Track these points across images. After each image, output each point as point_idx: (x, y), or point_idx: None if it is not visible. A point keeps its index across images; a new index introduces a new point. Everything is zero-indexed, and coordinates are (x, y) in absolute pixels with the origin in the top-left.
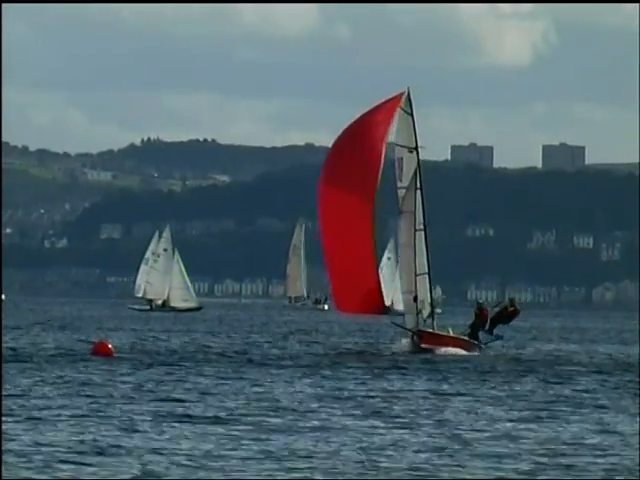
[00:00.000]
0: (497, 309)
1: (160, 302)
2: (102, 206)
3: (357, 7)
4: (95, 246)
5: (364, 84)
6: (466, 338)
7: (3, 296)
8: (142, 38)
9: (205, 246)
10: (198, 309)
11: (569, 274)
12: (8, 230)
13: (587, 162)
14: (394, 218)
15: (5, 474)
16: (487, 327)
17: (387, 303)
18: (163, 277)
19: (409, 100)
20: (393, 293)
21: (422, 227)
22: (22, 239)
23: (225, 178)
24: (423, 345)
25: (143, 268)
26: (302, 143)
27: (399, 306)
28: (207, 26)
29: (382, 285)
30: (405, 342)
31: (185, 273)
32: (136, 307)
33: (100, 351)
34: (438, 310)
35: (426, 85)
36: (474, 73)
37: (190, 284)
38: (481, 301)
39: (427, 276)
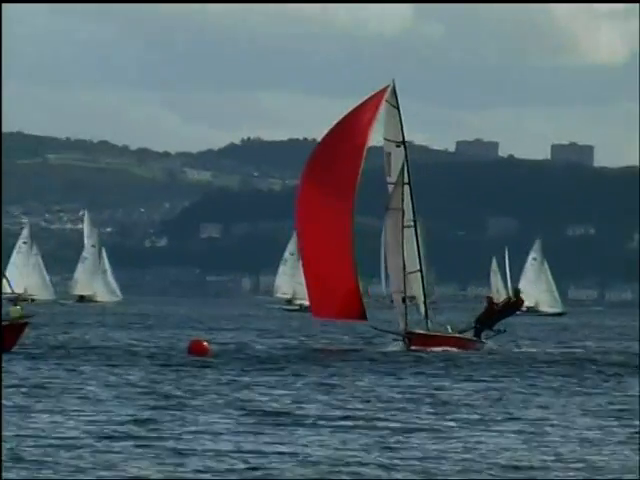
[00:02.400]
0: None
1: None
2: (202, 205)
3: (450, 6)
4: (195, 245)
5: (457, 84)
6: (462, 336)
7: (119, 296)
8: (233, 38)
9: None
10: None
11: None
12: (108, 229)
13: None
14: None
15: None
16: (489, 322)
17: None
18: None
19: (394, 93)
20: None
21: (411, 223)
22: (122, 238)
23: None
24: (413, 347)
25: (282, 269)
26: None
27: (544, 307)
28: (301, 26)
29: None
30: (397, 344)
31: None
32: (286, 307)
33: (196, 350)
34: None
35: (521, 85)
36: (569, 72)
37: None
38: (491, 295)
39: (419, 274)
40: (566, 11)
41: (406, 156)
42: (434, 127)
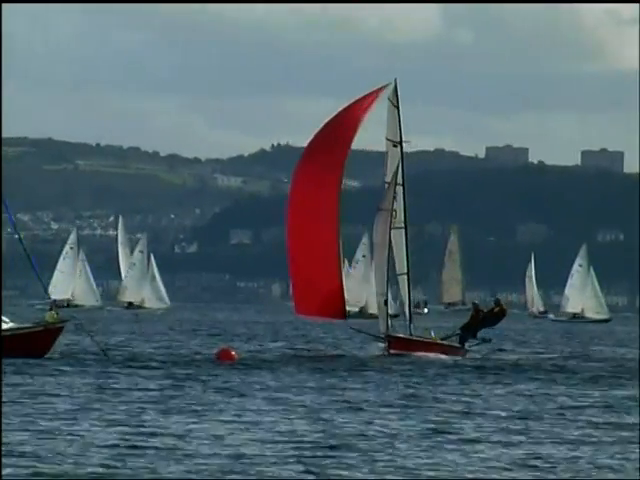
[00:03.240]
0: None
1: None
2: (232, 211)
3: (478, 12)
4: (225, 251)
5: (486, 90)
6: (444, 342)
7: (167, 303)
8: (264, 44)
9: None
10: None
11: None
12: (139, 235)
13: None
14: None
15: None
16: (473, 330)
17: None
18: (360, 285)
19: (396, 92)
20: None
21: (402, 225)
22: (152, 244)
23: (355, 183)
24: (392, 351)
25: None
26: (432, 148)
27: (590, 313)
28: (331, 32)
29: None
30: (376, 347)
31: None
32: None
33: (224, 357)
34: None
35: (551, 90)
36: (598, 78)
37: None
38: (477, 302)
39: (406, 277)
40: (592, 17)
41: (402, 156)
42: (464, 133)
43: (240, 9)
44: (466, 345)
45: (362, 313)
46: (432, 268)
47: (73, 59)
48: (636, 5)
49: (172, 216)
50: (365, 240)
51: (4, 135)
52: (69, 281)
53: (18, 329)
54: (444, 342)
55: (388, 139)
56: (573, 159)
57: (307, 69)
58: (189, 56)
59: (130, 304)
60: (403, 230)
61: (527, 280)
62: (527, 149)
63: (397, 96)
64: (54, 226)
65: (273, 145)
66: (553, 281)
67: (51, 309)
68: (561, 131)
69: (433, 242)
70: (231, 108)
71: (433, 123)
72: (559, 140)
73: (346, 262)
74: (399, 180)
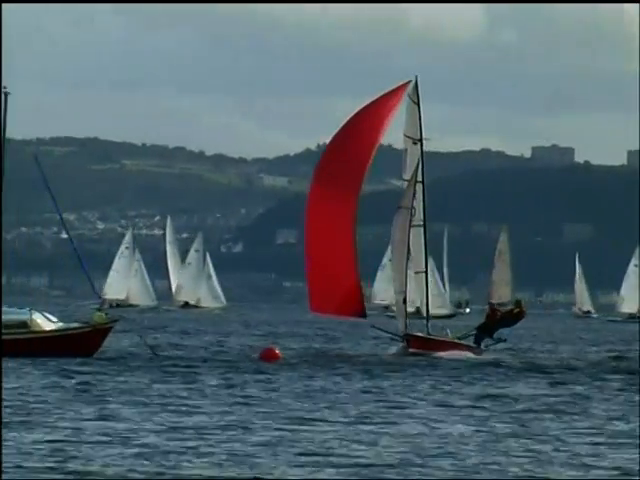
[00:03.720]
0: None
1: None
2: (278, 211)
3: (523, 12)
4: (271, 251)
5: (532, 89)
6: (460, 342)
7: (223, 302)
8: (310, 44)
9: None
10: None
11: None
12: (184, 235)
13: None
14: None
15: None
16: (489, 330)
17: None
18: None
19: (416, 89)
20: None
21: (421, 223)
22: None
23: (401, 183)
24: (412, 350)
25: (380, 275)
26: (478, 148)
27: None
28: (377, 32)
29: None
30: (398, 347)
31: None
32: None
33: (268, 357)
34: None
35: (596, 90)
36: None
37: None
38: (492, 301)
39: (424, 275)
40: (637, 16)
41: (422, 154)
42: (510, 133)
43: (289, 9)
44: (482, 345)
45: (419, 313)
46: (478, 268)
47: (119, 59)
48: None
49: (218, 216)
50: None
51: (51, 134)
52: (124, 281)
53: (67, 329)
54: (460, 342)
55: (407, 136)
56: (619, 159)
57: (352, 69)
58: (236, 56)
59: (186, 303)
60: (422, 228)
61: (577, 280)
62: (573, 149)
63: (417, 93)
64: (100, 226)
65: (319, 145)
66: (599, 281)
67: (99, 309)
68: (607, 131)
69: (479, 242)
70: (277, 108)
71: (479, 123)
72: (605, 140)
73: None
74: (419, 178)
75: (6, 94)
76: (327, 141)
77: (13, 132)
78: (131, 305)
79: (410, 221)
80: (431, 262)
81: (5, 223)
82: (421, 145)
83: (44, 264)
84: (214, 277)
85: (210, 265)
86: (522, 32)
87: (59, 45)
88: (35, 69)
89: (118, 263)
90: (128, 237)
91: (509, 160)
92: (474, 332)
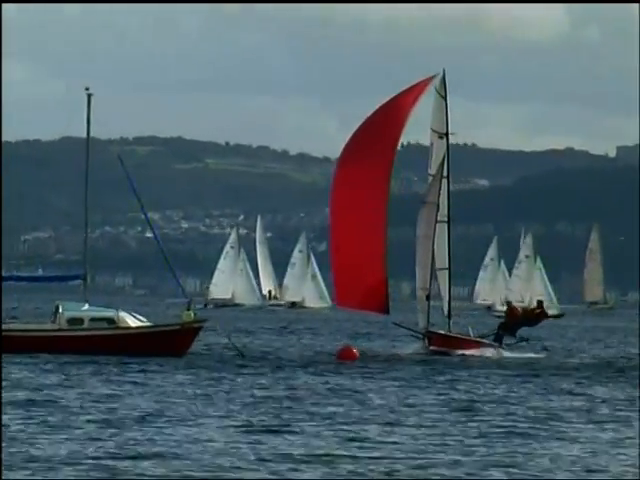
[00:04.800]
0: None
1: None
2: None
3: (604, 10)
4: None
5: (615, 88)
6: (483, 340)
7: (329, 302)
8: (390, 43)
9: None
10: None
11: None
12: (269, 234)
13: None
14: None
15: None
16: (511, 329)
17: None
18: (525, 284)
19: (444, 83)
20: None
21: (445, 219)
22: (282, 243)
23: (484, 182)
24: (433, 348)
25: (482, 274)
26: (562, 147)
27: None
28: (455, 31)
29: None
30: (418, 345)
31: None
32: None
33: (345, 356)
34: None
35: None
36: None
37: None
38: (510, 300)
39: (447, 272)
40: None
41: (448, 149)
42: (593, 132)
43: (367, 9)
44: (503, 344)
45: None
46: (563, 267)
47: (203, 58)
48: None
49: (302, 215)
50: (529, 240)
51: (135, 134)
52: (229, 280)
53: (154, 327)
54: (482, 340)
55: (433, 130)
56: None
57: (434, 69)
58: (319, 57)
59: (293, 304)
60: (446, 224)
61: None
62: None
63: (445, 87)
64: (184, 225)
65: (403, 144)
66: None
67: (188, 309)
68: None
69: (563, 241)
70: (360, 108)
71: (563, 122)
72: None
73: None
74: (444, 173)
75: (89, 95)
76: (411, 140)
77: (97, 132)
78: (236, 304)
79: (436, 216)
80: (529, 263)
81: (90, 222)
82: (447, 139)
83: (128, 263)
84: (319, 276)
85: (314, 264)
86: (604, 31)
87: (142, 45)
88: (119, 70)
89: (223, 263)
90: (233, 237)
91: (593, 159)
92: (495, 331)
